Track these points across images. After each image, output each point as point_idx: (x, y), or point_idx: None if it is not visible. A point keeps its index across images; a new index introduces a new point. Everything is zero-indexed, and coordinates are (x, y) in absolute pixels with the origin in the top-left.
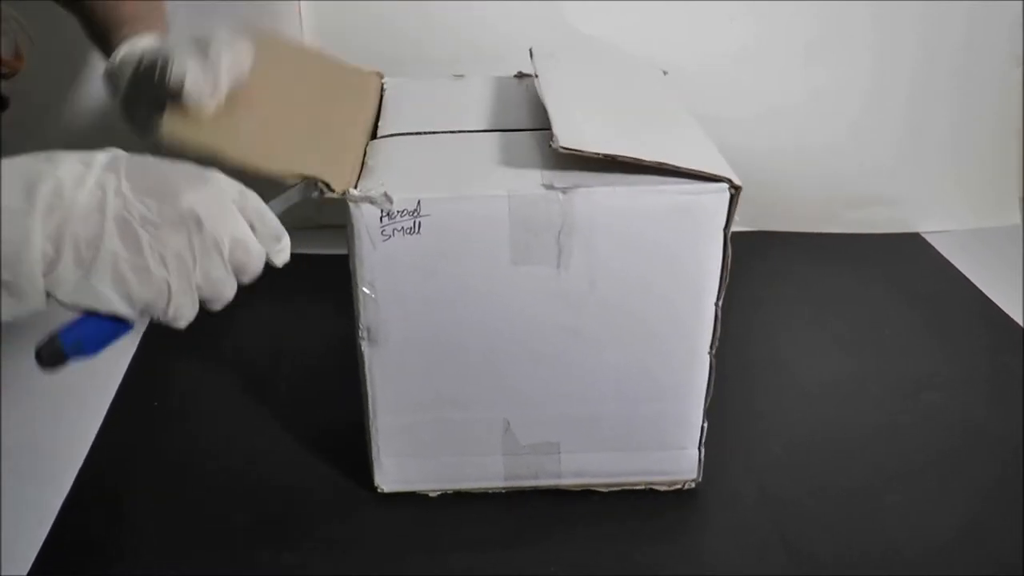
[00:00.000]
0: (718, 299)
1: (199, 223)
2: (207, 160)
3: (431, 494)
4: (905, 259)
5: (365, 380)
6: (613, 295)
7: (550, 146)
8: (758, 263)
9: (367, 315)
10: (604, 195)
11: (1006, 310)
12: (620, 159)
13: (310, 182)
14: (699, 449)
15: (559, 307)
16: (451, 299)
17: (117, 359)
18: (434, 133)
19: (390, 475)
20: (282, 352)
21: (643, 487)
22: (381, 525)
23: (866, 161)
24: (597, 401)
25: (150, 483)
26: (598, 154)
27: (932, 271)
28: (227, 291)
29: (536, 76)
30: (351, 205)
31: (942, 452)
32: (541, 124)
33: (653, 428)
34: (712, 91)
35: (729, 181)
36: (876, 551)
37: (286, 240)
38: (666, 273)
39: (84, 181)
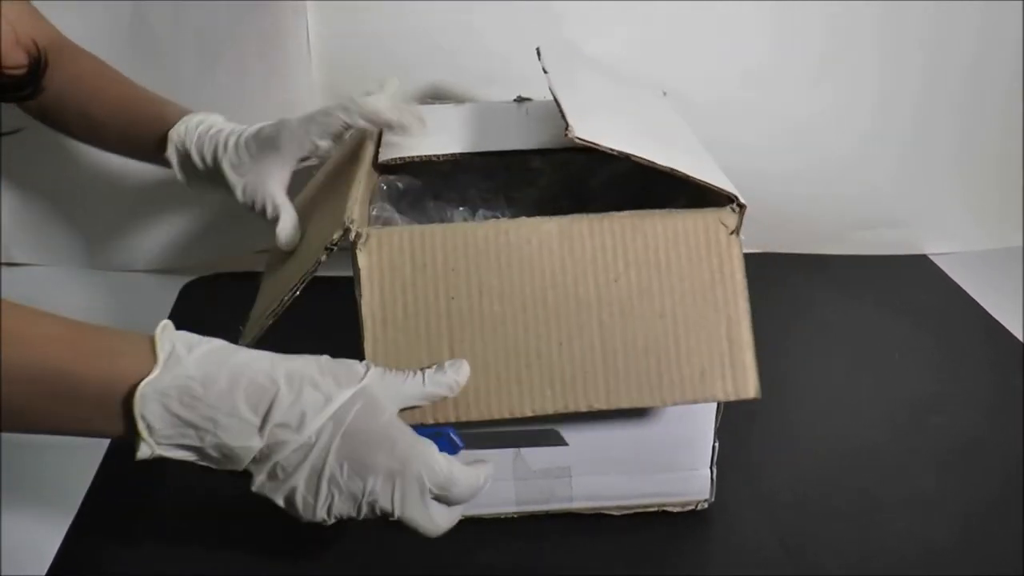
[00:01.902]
0: None
1: (375, 499)
2: None
3: None
4: (911, 281)
5: None
6: None
7: (565, 134)
8: (764, 284)
9: None
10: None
11: (1012, 331)
12: (635, 159)
13: None
14: (711, 469)
15: None
16: None
17: None
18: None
19: None
20: None
21: (655, 509)
22: (391, 551)
23: (872, 182)
24: (608, 424)
25: (154, 509)
26: (612, 150)
27: (939, 293)
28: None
29: (546, 72)
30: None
31: (952, 474)
32: (543, 145)
33: (664, 450)
34: (717, 112)
35: (735, 199)
36: (886, 571)
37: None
38: None
39: (306, 424)
